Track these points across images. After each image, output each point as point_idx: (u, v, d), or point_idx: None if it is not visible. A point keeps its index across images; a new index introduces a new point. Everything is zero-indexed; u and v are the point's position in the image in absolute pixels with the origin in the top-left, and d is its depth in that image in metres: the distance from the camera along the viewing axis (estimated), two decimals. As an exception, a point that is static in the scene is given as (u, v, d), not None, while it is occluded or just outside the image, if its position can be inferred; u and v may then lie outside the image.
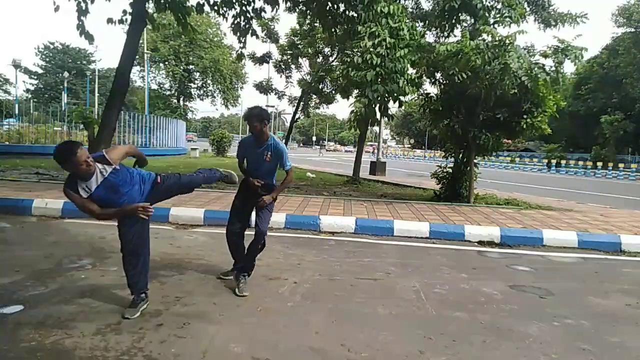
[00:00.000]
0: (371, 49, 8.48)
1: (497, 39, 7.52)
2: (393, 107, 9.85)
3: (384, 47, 8.48)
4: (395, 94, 8.83)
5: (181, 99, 45.76)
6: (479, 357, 2.85)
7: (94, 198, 3.00)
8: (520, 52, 7.59)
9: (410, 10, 12.33)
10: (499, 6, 8.91)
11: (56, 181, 9.57)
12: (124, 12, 9.75)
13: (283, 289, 3.92)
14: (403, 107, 9.56)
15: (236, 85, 46.30)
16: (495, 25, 8.67)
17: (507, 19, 8.58)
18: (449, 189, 9.38)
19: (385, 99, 8.96)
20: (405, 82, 8.65)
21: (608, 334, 3.28)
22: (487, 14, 8.75)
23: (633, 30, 34.60)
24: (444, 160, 10.58)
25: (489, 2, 8.96)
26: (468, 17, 9.81)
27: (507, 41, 7.44)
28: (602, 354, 2.96)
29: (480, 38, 7.87)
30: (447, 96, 8.81)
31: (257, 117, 3.83)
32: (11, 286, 3.61)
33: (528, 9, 9.24)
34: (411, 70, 9.05)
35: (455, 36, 10.01)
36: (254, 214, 4.07)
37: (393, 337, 3.06)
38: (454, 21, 9.67)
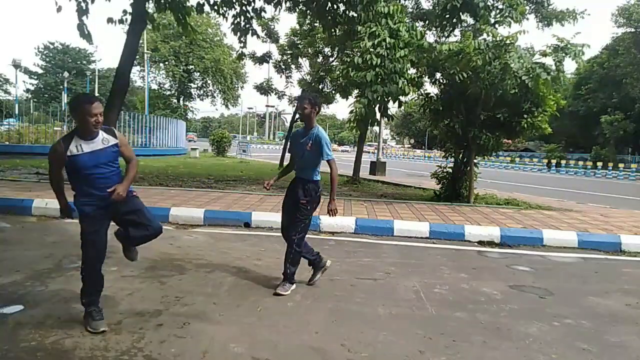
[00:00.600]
0: (371, 49, 8.48)
1: (498, 38, 7.52)
2: (393, 107, 9.85)
3: (384, 47, 8.48)
4: (394, 95, 8.83)
5: (181, 99, 45.76)
6: (479, 357, 2.85)
7: (77, 159, 2.84)
8: (521, 52, 7.59)
9: (410, 10, 12.34)
10: (500, 5, 8.91)
11: (56, 181, 9.57)
12: (124, 12, 9.75)
13: (283, 289, 3.91)
14: (403, 108, 9.55)
15: (236, 85, 46.30)
16: (496, 25, 8.67)
17: (508, 19, 8.58)
18: (449, 189, 9.38)
19: (385, 100, 8.96)
20: (405, 83, 8.65)
21: (608, 334, 3.28)
22: (488, 14, 8.75)
23: (633, 30, 34.58)
24: (444, 160, 10.58)
25: (490, 2, 8.96)
26: (469, 17, 9.81)
27: (508, 41, 7.44)
28: (602, 354, 2.96)
29: (481, 38, 7.87)
30: (447, 96, 8.81)
31: (309, 99, 3.81)
32: (11, 286, 3.61)
33: (528, 7, 9.24)
34: (412, 71, 9.05)
35: (455, 36, 10.02)
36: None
37: (393, 337, 3.06)
38: (454, 20, 9.67)
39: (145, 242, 3.27)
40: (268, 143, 70.58)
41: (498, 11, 8.84)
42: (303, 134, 3.90)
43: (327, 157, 3.82)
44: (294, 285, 3.87)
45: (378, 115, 9.59)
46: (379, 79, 8.53)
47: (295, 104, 18.51)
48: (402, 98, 9.08)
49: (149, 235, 3.19)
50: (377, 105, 9.07)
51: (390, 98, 8.96)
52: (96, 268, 3.13)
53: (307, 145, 3.81)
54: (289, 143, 4.09)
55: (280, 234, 6.06)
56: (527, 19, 9.66)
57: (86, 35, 9.60)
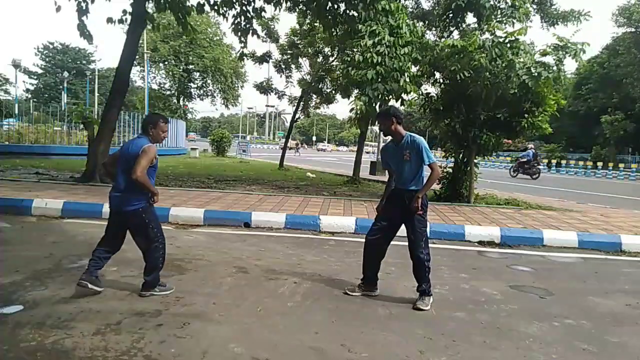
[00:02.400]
0: (371, 48, 8.48)
1: (504, 33, 7.51)
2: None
3: (385, 45, 8.48)
4: (396, 92, 8.83)
5: (181, 99, 45.72)
6: (479, 357, 2.84)
7: (156, 161, 3.62)
8: (527, 48, 7.59)
9: (410, 10, 12.34)
10: (503, 6, 8.91)
11: (56, 181, 9.57)
12: (124, 12, 9.75)
13: (283, 289, 3.91)
14: (404, 106, 9.54)
15: (236, 85, 46.27)
16: (501, 24, 8.67)
17: (512, 19, 8.58)
18: (449, 189, 9.38)
19: (386, 98, 8.96)
20: (407, 81, 8.65)
21: (608, 334, 3.27)
22: (493, 14, 8.75)
23: (633, 30, 34.56)
24: (444, 160, 10.58)
25: (494, 2, 8.96)
26: (471, 18, 9.82)
27: (513, 37, 7.44)
28: (602, 354, 2.96)
29: (484, 37, 7.87)
30: (448, 96, 8.80)
31: (384, 115, 3.71)
32: (11, 286, 3.61)
33: (531, 8, 9.24)
34: (414, 69, 9.06)
35: (453, 37, 10.01)
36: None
37: (393, 337, 3.06)
38: (458, 20, 9.67)
39: None
40: (268, 143, 70.60)
41: (501, 11, 8.84)
42: (394, 146, 3.76)
43: (429, 161, 3.65)
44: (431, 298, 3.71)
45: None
46: (380, 78, 8.53)
47: (295, 104, 18.55)
48: (404, 96, 9.08)
49: None
50: (378, 104, 9.07)
51: (391, 96, 8.96)
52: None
53: (404, 156, 3.67)
54: (382, 157, 3.99)
55: (280, 234, 6.10)
56: (532, 20, 9.67)
57: (86, 35, 9.61)
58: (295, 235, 6.09)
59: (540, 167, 21.89)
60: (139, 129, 3.67)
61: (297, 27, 16.90)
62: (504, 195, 10.55)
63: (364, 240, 5.96)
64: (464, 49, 7.64)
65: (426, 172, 3.77)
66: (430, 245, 5.82)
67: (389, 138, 3.87)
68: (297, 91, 18.98)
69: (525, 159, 21.22)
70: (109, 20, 9.85)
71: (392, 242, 5.92)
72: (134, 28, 9.67)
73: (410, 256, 3.79)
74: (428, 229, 5.49)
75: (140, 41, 14.61)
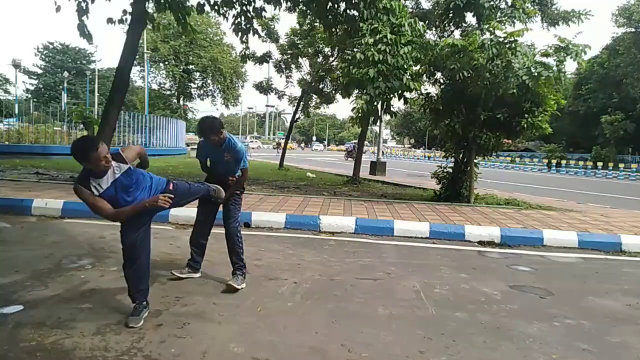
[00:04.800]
0: (372, 47, 8.48)
1: (503, 33, 7.51)
2: (395, 105, 9.85)
3: (386, 43, 8.48)
4: (397, 91, 8.83)
5: (181, 99, 45.72)
6: (479, 357, 2.84)
7: (104, 197, 2.91)
8: (525, 50, 7.59)
9: (410, 10, 12.33)
10: (503, 6, 8.90)
11: (56, 181, 9.57)
12: (124, 12, 9.74)
13: (283, 289, 3.91)
14: (405, 106, 9.55)
15: (236, 85, 46.26)
16: (501, 24, 8.66)
17: (512, 19, 8.57)
18: (449, 189, 9.38)
19: (388, 96, 8.96)
20: (409, 78, 8.65)
21: (608, 334, 3.27)
22: (493, 14, 8.74)
23: (633, 30, 34.56)
24: (444, 160, 10.58)
25: (494, 2, 8.95)
26: (471, 18, 9.81)
27: (512, 38, 7.44)
28: (602, 354, 2.96)
29: (484, 37, 7.87)
30: (448, 96, 8.80)
31: (211, 132, 3.86)
32: (11, 286, 3.61)
33: (532, 8, 9.22)
34: (415, 68, 9.06)
35: (453, 37, 10.01)
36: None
37: (393, 337, 3.06)
38: (457, 20, 9.66)
39: None
40: (268, 143, 70.51)
41: (501, 11, 8.83)
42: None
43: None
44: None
45: (380, 112, 9.59)
46: (381, 76, 8.53)
47: (295, 104, 18.55)
48: (406, 94, 9.08)
49: None
50: (380, 102, 9.07)
51: (393, 94, 8.96)
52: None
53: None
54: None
55: (280, 234, 6.11)
56: (534, 21, 9.64)
57: (86, 35, 9.60)
58: (295, 235, 6.09)
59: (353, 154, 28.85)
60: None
61: (297, 27, 16.90)
62: (504, 195, 10.55)
63: (364, 240, 6.02)
64: (464, 48, 7.64)
65: None
66: (430, 245, 5.90)
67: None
68: (297, 91, 18.99)
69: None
70: (109, 20, 9.84)
71: (392, 242, 5.92)
72: (134, 28, 9.65)
73: (225, 236, 4.07)
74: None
75: (141, 41, 14.60)
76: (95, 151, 2.81)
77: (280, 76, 18.53)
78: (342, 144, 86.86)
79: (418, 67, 9.11)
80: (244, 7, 10.68)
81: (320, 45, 16.64)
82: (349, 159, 33.13)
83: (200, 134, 3.91)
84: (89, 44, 31.07)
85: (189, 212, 6.57)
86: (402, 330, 3.17)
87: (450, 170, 9.51)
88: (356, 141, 17.67)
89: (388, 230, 6.31)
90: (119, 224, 3.17)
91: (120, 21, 9.84)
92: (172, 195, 3.08)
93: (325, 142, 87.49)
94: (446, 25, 10.08)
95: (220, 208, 4.11)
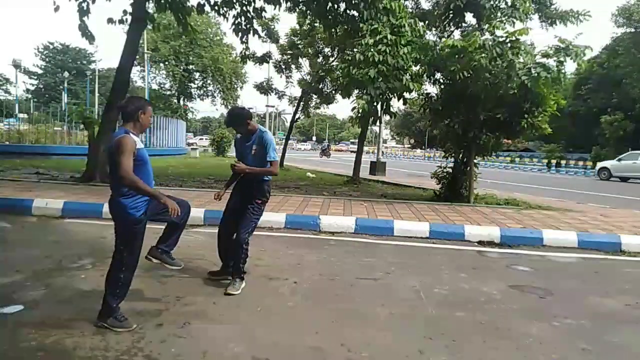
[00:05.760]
0: (372, 47, 8.48)
1: (505, 33, 7.51)
2: (395, 105, 9.86)
3: (386, 44, 8.48)
4: (398, 91, 8.83)
5: (181, 99, 45.73)
6: (479, 357, 2.85)
7: (142, 153, 3.05)
8: (528, 49, 7.58)
9: (410, 10, 12.33)
10: (503, 6, 8.90)
11: (56, 181, 9.58)
12: (124, 12, 9.76)
13: (283, 289, 3.92)
14: (405, 106, 9.56)
15: (236, 85, 46.28)
16: (500, 25, 8.67)
17: (512, 19, 8.57)
18: (449, 189, 9.37)
19: (388, 97, 8.96)
20: (409, 79, 8.65)
21: (608, 334, 3.28)
22: (493, 14, 8.74)
23: (633, 30, 34.54)
24: (444, 160, 10.57)
25: (494, 2, 8.95)
26: (471, 18, 9.81)
27: (514, 37, 7.44)
28: (602, 354, 2.96)
29: (484, 37, 7.87)
30: (448, 96, 8.80)
31: (237, 122, 3.88)
32: (11, 286, 3.61)
33: (531, 7, 9.22)
34: (415, 68, 9.06)
35: (453, 37, 10.01)
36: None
37: (393, 337, 3.07)
38: (457, 20, 9.66)
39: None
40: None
41: (501, 11, 8.83)
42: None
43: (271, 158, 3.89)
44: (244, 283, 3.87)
45: (380, 113, 9.59)
46: (382, 76, 8.53)
47: (295, 104, 18.57)
48: (406, 94, 9.08)
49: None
50: (380, 102, 9.07)
51: (394, 94, 8.96)
52: None
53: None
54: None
55: (279, 234, 6.10)
56: (532, 19, 9.63)
57: (88, 36, 9.61)
58: (295, 235, 6.09)
59: (330, 152, 39.61)
60: (121, 118, 3.05)
61: (297, 27, 16.91)
62: (504, 195, 10.55)
63: (364, 240, 6.02)
64: (464, 49, 7.64)
65: None
66: (430, 245, 5.89)
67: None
68: (297, 91, 19.00)
69: (324, 148, 39.77)
70: (110, 20, 9.86)
71: (392, 242, 5.92)
72: (134, 28, 9.67)
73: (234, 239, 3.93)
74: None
75: (141, 41, 14.60)
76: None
77: (280, 76, 18.57)
78: (340, 144, 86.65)
79: (418, 67, 9.11)
80: (244, 8, 10.70)
81: (320, 46, 16.66)
82: (324, 157, 36.45)
83: (227, 124, 3.93)
84: (91, 44, 31.07)
85: (189, 212, 6.58)
86: (402, 330, 3.18)
87: (450, 170, 9.50)
88: (327, 142, 17.95)
89: (388, 230, 6.31)
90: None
91: (121, 21, 9.85)
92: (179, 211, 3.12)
93: (326, 141, 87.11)
94: (446, 25, 10.06)
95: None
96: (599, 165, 25.25)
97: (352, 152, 55.65)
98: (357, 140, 16.05)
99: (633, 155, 23.14)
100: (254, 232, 6.08)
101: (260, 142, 3.86)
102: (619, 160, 23.58)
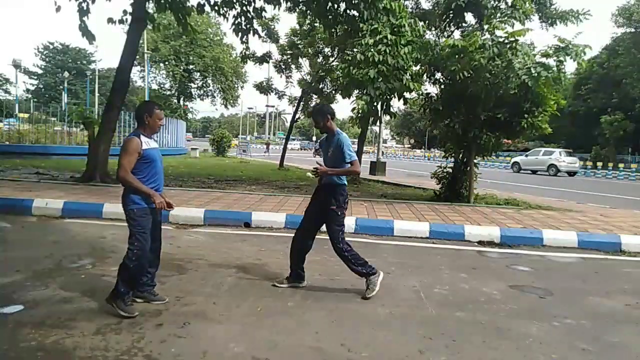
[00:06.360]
0: (372, 47, 8.48)
1: (504, 33, 7.51)
2: (395, 105, 9.87)
3: (386, 44, 8.48)
4: (398, 91, 8.82)
5: (181, 99, 45.74)
6: (479, 357, 2.85)
7: (148, 151, 3.28)
8: (526, 49, 7.58)
9: (410, 10, 12.33)
10: (503, 6, 8.90)
11: (56, 181, 9.58)
12: (124, 12, 9.76)
13: (283, 289, 3.91)
14: (405, 106, 9.56)
15: (236, 85, 46.30)
16: (500, 25, 8.67)
17: (512, 20, 8.57)
18: (449, 189, 9.38)
19: (388, 97, 8.96)
20: (410, 79, 8.65)
21: (608, 334, 3.27)
22: (493, 14, 8.74)
23: (633, 30, 34.54)
24: (444, 160, 10.57)
25: (494, 2, 8.95)
26: (471, 18, 9.81)
27: (513, 38, 7.44)
28: (602, 354, 2.96)
29: (484, 37, 7.87)
30: (448, 96, 8.80)
31: (318, 113, 3.88)
32: (11, 286, 3.61)
33: (531, 7, 9.23)
34: (415, 68, 9.06)
35: (453, 38, 10.02)
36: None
37: (393, 337, 3.06)
38: (458, 20, 9.65)
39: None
40: (256, 143, 70.27)
41: (501, 12, 8.84)
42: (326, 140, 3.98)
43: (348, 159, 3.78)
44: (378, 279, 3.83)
45: (380, 113, 9.59)
46: (382, 77, 8.53)
47: (295, 104, 18.57)
48: (406, 94, 9.08)
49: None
50: (380, 103, 9.07)
51: (394, 95, 8.96)
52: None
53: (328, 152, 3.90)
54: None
55: (279, 234, 6.10)
56: (532, 20, 9.63)
57: (88, 35, 9.61)
58: (295, 235, 6.09)
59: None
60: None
61: (297, 27, 16.91)
62: (504, 195, 10.55)
63: (364, 240, 6.02)
64: (464, 49, 7.64)
65: None
66: (430, 245, 5.89)
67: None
68: (297, 91, 18.97)
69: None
70: (110, 20, 9.86)
71: (392, 242, 5.92)
72: (134, 28, 9.68)
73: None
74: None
75: (141, 41, 14.62)
76: (159, 109, 3.39)
77: (280, 76, 18.56)
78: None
79: (418, 67, 9.11)
80: (244, 8, 10.70)
81: (320, 46, 16.65)
82: (317, 156, 35.50)
83: (311, 115, 3.98)
84: (91, 44, 31.07)
85: (189, 212, 6.59)
86: (401, 330, 3.18)
87: (450, 170, 9.50)
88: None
89: (388, 230, 6.30)
90: (120, 224, 3.20)
91: (121, 21, 9.86)
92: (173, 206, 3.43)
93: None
94: (446, 25, 10.06)
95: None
96: (512, 160, 29.52)
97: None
98: (356, 140, 16.07)
99: (537, 152, 27.68)
100: (254, 232, 6.13)
101: (336, 143, 3.82)
102: (527, 155, 27.92)
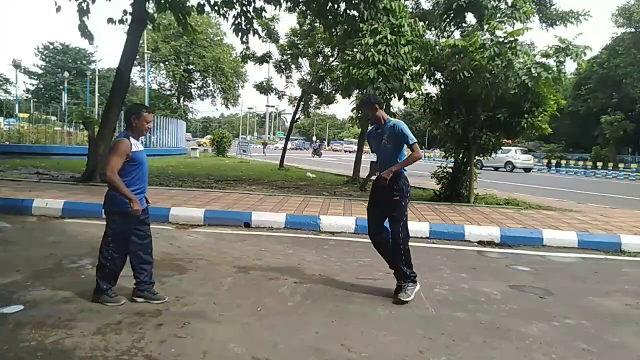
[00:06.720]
0: (372, 47, 8.48)
1: (504, 33, 7.51)
2: (395, 105, 9.87)
3: (386, 44, 8.48)
4: (398, 91, 8.82)
5: (181, 99, 45.74)
6: (479, 357, 2.85)
7: (137, 154, 3.35)
8: (526, 49, 7.58)
9: (410, 10, 12.34)
10: (503, 6, 8.91)
11: (56, 181, 9.57)
12: (124, 12, 9.76)
13: (283, 289, 3.91)
14: (405, 106, 9.55)
15: (236, 85, 46.31)
16: (500, 25, 8.67)
17: (512, 20, 8.57)
18: (449, 189, 9.37)
19: (388, 97, 8.96)
20: (409, 79, 8.65)
21: (608, 334, 3.27)
22: (493, 15, 8.74)
23: (633, 30, 34.57)
24: (444, 160, 10.57)
25: (494, 2, 8.95)
26: (472, 18, 9.81)
27: (512, 37, 7.44)
28: (602, 354, 2.96)
29: (484, 37, 7.87)
30: (448, 96, 8.80)
31: (366, 103, 3.84)
32: (11, 286, 3.61)
33: (532, 8, 9.23)
34: (415, 68, 9.06)
35: (455, 37, 10.02)
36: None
37: (393, 337, 3.06)
38: (458, 20, 9.65)
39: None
40: (254, 143, 70.11)
41: (501, 12, 8.83)
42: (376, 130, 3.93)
43: (411, 142, 3.77)
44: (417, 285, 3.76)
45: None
46: (381, 76, 8.53)
47: (295, 104, 18.56)
48: (406, 94, 9.08)
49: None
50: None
51: (394, 95, 8.95)
52: None
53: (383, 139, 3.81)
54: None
55: (279, 234, 6.10)
56: (532, 20, 9.64)
57: (88, 36, 9.61)
58: (295, 235, 6.09)
59: (322, 151, 40.20)
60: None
61: (297, 27, 16.90)
62: (504, 195, 10.55)
63: (364, 240, 6.00)
64: (464, 49, 7.64)
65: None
66: (430, 245, 5.89)
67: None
68: (297, 91, 18.99)
69: (316, 147, 39.97)
70: (110, 20, 9.86)
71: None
72: (134, 28, 9.67)
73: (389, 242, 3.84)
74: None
75: (141, 41, 14.62)
76: (147, 112, 3.40)
77: (280, 76, 18.56)
78: (333, 143, 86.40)
79: (418, 67, 9.11)
80: (244, 8, 10.70)
81: (320, 46, 16.64)
82: (315, 156, 36.73)
83: (358, 107, 4.04)
84: (90, 44, 31.11)
85: (189, 212, 6.59)
86: (402, 330, 3.18)
87: (450, 170, 9.50)
88: (319, 141, 17.93)
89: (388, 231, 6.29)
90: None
91: (121, 21, 9.86)
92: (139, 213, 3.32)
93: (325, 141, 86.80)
94: (447, 25, 10.06)
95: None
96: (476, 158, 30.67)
97: (346, 151, 55.98)
98: (349, 139, 16.03)
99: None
100: (254, 232, 6.13)
101: (391, 129, 3.77)
102: None
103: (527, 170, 27.79)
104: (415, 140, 3.80)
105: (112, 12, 9.90)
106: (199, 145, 38.53)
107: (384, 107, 9.39)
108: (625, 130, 34.05)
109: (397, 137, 3.75)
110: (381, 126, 3.87)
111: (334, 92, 17.45)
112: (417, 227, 6.35)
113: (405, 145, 3.80)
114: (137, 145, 3.37)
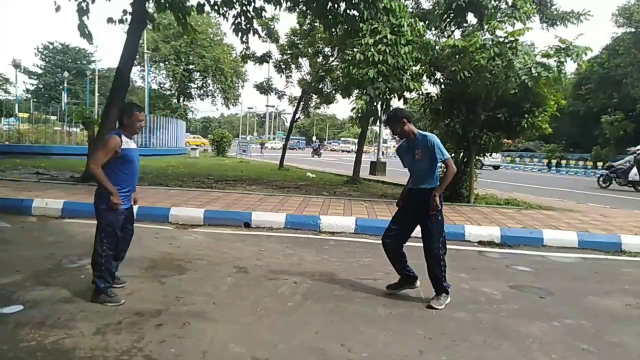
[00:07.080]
0: (372, 47, 8.47)
1: (504, 33, 7.51)
2: (395, 105, 9.86)
3: (386, 44, 8.47)
4: (398, 91, 8.82)
5: (181, 99, 45.75)
6: (479, 357, 2.84)
7: (128, 151, 3.43)
8: (527, 49, 7.58)
9: (410, 10, 12.33)
10: (504, 6, 8.91)
11: (56, 181, 9.57)
12: (124, 12, 9.76)
13: (283, 289, 3.91)
14: (405, 106, 9.53)
15: (236, 85, 46.32)
16: (501, 25, 8.67)
17: (512, 19, 8.57)
18: (449, 189, 9.35)
19: (387, 97, 8.96)
20: (409, 79, 8.65)
21: (608, 334, 3.27)
22: (493, 14, 8.74)
23: (633, 30, 34.54)
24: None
25: (495, 2, 8.95)
26: (472, 18, 9.80)
27: (513, 37, 7.44)
28: (602, 354, 2.96)
29: (484, 37, 7.86)
30: (448, 96, 8.79)
31: (393, 118, 3.76)
32: (11, 286, 3.61)
33: (532, 8, 9.23)
34: (415, 68, 9.05)
35: (453, 38, 10.01)
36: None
37: (393, 337, 3.06)
38: (459, 20, 9.65)
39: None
40: (254, 143, 69.91)
41: (502, 12, 8.83)
42: (407, 145, 3.84)
43: (443, 158, 3.72)
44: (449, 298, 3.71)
45: (380, 113, 9.59)
46: (381, 76, 8.52)
47: (295, 104, 18.56)
48: (406, 94, 9.08)
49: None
50: (380, 102, 9.07)
51: (393, 94, 8.95)
52: None
53: (416, 154, 3.73)
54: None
55: (279, 234, 6.10)
56: (533, 20, 9.65)
57: (87, 35, 9.61)
58: (295, 235, 6.09)
59: (321, 151, 39.40)
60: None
61: (297, 27, 16.90)
62: (504, 195, 10.55)
63: (364, 240, 6.01)
64: (464, 49, 7.64)
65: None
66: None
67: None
68: (297, 91, 18.97)
69: (316, 147, 39.65)
70: (109, 20, 9.86)
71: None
72: (134, 28, 9.67)
73: (424, 255, 3.79)
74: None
75: (141, 41, 14.62)
76: (139, 111, 3.50)
77: (280, 76, 18.54)
78: (332, 142, 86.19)
79: (418, 67, 9.10)
80: (244, 7, 10.69)
81: (320, 45, 16.63)
82: (315, 156, 36.77)
83: (385, 123, 3.98)
84: (90, 44, 31.06)
85: (189, 212, 6.59)
86: (401, 330, 3.18)
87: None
88: (318, 141, 17.97)
89: (388, 230, 6.29)
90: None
91: (121, 21, 9.85)
92: (117, 205, 3.37)
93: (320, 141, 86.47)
94: (447, 25, 10.06)
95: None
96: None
97: (343, 151, 55.98)
98: (346, 138, 16.04)
99: None
100: (254, 232, 6.13)
101: (424, 144, 3.69)
102: None
103: (496, 167, 29.69)
104: (449, 156, 3.77)
105: (112, 12, 9.91)
106: (187, 144, 36.37)
107: (384, 106, 9.44)
108: (625, 130, 34.00)
109: (431, 152, 3.68)
110: (412, 140, 3.77)
111: (334, 92, 17.44)
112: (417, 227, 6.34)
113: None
114: (128, 143, 3.45)
